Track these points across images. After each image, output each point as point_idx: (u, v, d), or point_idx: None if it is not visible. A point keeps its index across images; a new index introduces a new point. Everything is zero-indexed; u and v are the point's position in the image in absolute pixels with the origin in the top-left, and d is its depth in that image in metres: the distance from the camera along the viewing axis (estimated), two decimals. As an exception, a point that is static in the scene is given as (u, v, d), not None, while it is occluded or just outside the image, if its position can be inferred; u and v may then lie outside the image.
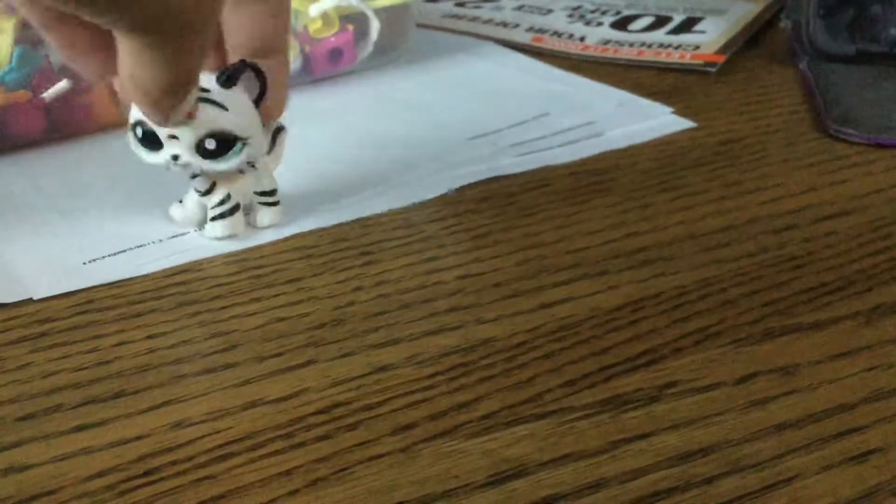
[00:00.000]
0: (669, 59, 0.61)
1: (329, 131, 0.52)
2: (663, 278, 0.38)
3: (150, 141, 0.38)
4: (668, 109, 0.53)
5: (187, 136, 0.38)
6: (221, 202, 0.41)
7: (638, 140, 0.50)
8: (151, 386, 0.33)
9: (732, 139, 0.50)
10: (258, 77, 0.38)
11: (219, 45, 0.40)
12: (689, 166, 0.47)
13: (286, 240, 0.42)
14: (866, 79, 0.55)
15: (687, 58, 0.61)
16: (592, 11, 0.71)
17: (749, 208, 0.43)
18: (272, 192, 0.42)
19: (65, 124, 0.52)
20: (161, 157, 0.39)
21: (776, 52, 0.62)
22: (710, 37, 0.64)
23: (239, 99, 0.39)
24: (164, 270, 0.39)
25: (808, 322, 0.35)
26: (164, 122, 0.36)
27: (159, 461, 0.29)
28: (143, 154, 0.39)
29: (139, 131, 0.38)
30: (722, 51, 0.61)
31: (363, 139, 0.51)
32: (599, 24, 0.68)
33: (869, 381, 0.32)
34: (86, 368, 0.34)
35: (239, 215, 0.42)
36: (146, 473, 0.29)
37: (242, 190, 0.41)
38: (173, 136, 0.38)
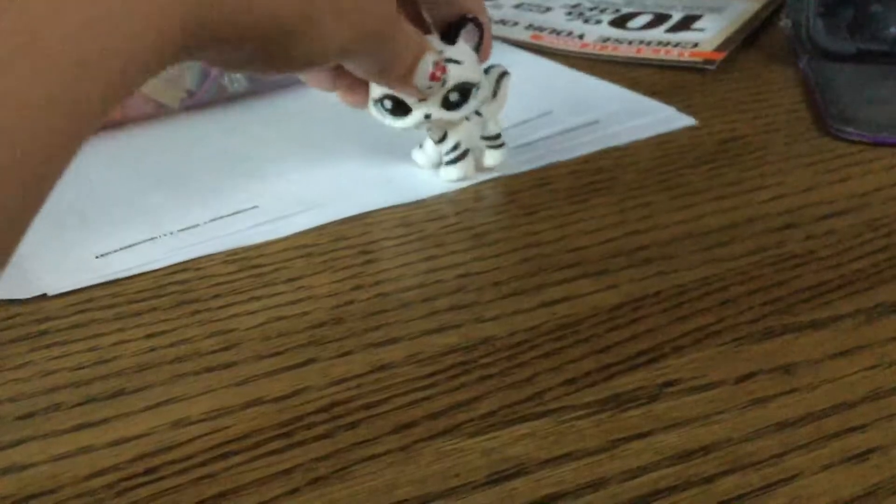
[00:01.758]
0: (668, 57, 0.61)
1: (333, 129, 0.52)
2: (663, 277, 0.38)
3: (400, 109, 0.43)
4: (669, 106, 0.53)
5: (436, 94, 0.42)
6: (454, 148, 0.45)
7: (640, 137, 0.50)
8: (151, 385, 0.33)
9: (732, 138, 0.50)
10: (477, 26, 0.43)
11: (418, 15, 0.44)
12: (689, 165, 0.47)
13: (286, 238, 0.42)
14: (866, 77, 0.55)
15: (685, 55, 0.61)
16: (591, 9, 0.71)
17: (749, 207, 0.43)
18: (497, 136, 0.46)
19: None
20: (412, 119, 0.43)
21: (775, 51, 0.62)
22: (709, 34, 0.64)
23: (465, 50, 0.43)
24: (163, 269, 0.39)
25: (808, 321, 0.35)
26: (410, 95, 0.42)
27: (159, 460, 0.29)
28: (391, 122, 0.44)
29: (388, 104, 0.43)
30: (721, 48, 0.61)
31: (365, 137, 0.51)
32: (598, 21, 0.68)
33: (869, 379, 0.32)
34: (85, 367, 0.34)
35: (470, 159, 0.46)
36: (146, 472, 0.29)
37: (470, 136, 0.45)
38: (423, 98, 0.42)
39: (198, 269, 0.40)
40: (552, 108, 0.54)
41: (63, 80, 0.23)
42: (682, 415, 0.30)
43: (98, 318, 0.36)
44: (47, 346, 0.35)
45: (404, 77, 0.39)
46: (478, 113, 0.45)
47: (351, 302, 0.37)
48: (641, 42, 0.64)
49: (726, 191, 0.44)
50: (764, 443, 0.29)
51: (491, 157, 0.47)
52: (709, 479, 0.28)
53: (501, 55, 0.64)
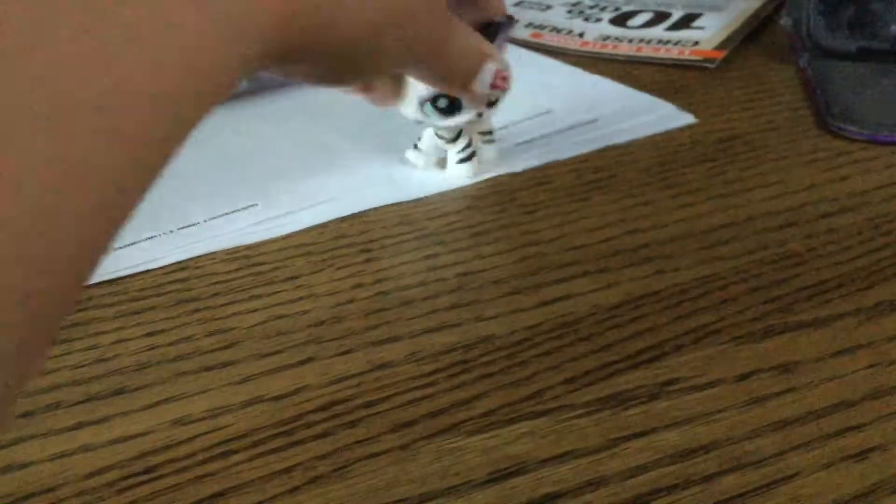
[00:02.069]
0: (668, 55, 0.61)
1: (333, 127, 0.52)
2: (663, 276, 0.38)
3: (452, 108, 0.43)
4: (669, 105, 0.53)
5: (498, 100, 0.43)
6: (466, 147, 0.46)
7: (640, 135, 0.50)
8: (151, 383, 0.33)
9: (732, 136, 0.50)
10: (510, 21, 0.43)
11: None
12: (690, 163, 0.47)
13: (286, 237, 0.42)
14: (866, 75, 0.55)
15: (686, 54, 0.61)
16: (591, 7, 0.71)
17: (749, 205, 0.43)
18: (491, 132, 0.47)
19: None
20: (463, 117, 0.44)
21: (776, 49, 0.62)
22: (709, 33, 0.64)
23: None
24: (163, 267, 0.39)
25: (808, 319, 0.35)
26: (472, 102, 0.42)
27: (159, 458, 0.29)
28: (439, 121, 0.44)
29: (442, 102, 0.43)
30: (721, 47, 0.61)
31: (365, 135, 0.51)
32: (598, 20, 0.68)
33: (869, 378, 0.32)
34: (85, 365, 0.34)
35: (476, 157, 0.47)
36: (146, 471, 0.29)
37: (473, 136, 0.46)
38: (491, 103, 0.43)
39: (198, 267, 0.39)
40: (552, 106, 0.54)
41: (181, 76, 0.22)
42: (682, 413, 0.30)
43: (98, 317, 0.36)
44: (47, 345, 0.35)
45: (464, 84, 0.39)
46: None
47: (351, 300, 0.37)
48: (642, 40, 0.64)
49: (726, 189, 0.44)
50: (764, 441, 0.29)
51: (487, 152, 0.47)
52: (709, 478, 0.28)
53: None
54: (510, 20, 0.43)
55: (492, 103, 0.43)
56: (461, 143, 0.46)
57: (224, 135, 0.51)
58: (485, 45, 0.39)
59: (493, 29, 0.41)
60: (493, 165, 0.47)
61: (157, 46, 0.20)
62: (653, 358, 0.33)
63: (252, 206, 0.44)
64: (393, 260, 0.40)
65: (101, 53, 0.19)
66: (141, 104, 0.20)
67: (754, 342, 0.34)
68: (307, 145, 0.50)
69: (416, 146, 0.47)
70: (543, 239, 0.41)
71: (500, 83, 0.39)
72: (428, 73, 0.38)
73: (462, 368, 0.33)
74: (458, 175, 0.46)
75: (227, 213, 0.43)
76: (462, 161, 0.46)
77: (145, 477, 0.29)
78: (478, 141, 0.47)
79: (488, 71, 0.39)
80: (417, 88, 0.43)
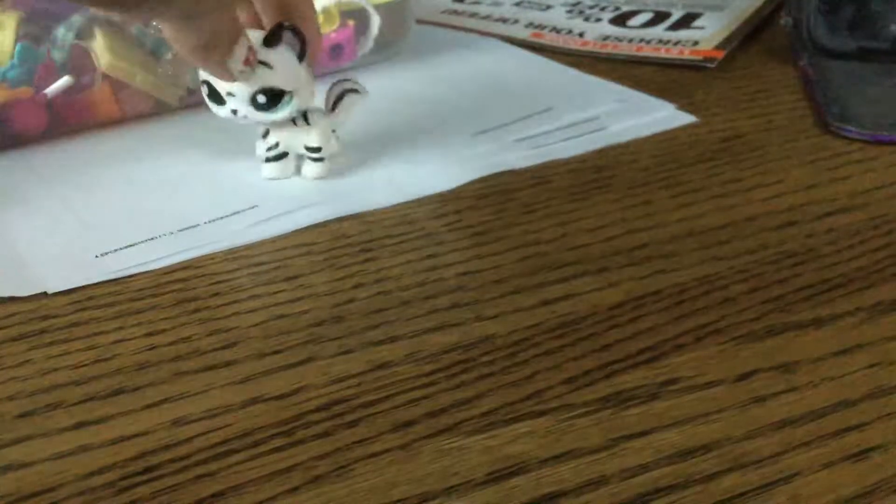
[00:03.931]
0: (668, 55, 0.61)
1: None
2: (664, 275, 0.38)
3: (215, 97, 0.44)
4: (670, 104, 0.53)
5: (242, 92, 0.43)
6: (271, 147, 0.46)
7: (640, 134, 0.50)
8: (151, 383, 0.33)
9: (733, 136, 0.50)
10: (297, 36, 0.43)
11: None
12: (690, 163, 0.47)
13: (286, 236, 0.42)
14: (867, 75, 0.55)
15: (686, 53, 0.61)
16: (591, 7, 0.71)
17: (749, 205, 0.43)
18: (317, 149, 0.46)
19: (67, 120, 0.52)
20: (223, 110, 0.44)
21: (776, 49, 0.62)
22: (709, 32, 0.64)
23: (283, 56, 0.43)
24: (163, 267, 0.39)
25: (808, 319, 0.35)
26: (221, 76, 0.42)
27: (159, 458, 0.29)
28: (213, 108, 0.45)
29: (205, 89, 0.44)
30: (721, 46, 0.61)
31: (365, 134, 0.51)
32: (598, 19, 0.68)
33: (869, 378, 0.32)
34: (85, 365, 0.34)
35: (286, 162, 0.47)
36: (146, 471, 0.29)
37: (291, 141, 0.46)
38: (231, 94, 0.43)
39: (198, 267, 0.39)
40: (552, 105, 0.54)
41: None
42: (683, 413, 0.30)
43: (98, 317, 0.36)
44: (47, 345, 0.35)
45: (220, 59, 0.40)
46: (306, 121, 0.45)
47: (351, 300, 0.37)
48: (642, 40, 0.64)
49: (726, 189, 0.44)
50: (764, 441, 0.29)
51: (310, 169, 0.47)
52: (709, 478, 0.28)
53: (502, 53, 0.64)
54: (291, 30, 0.43)
55: (260, 106, 0.44)
56: (268, 141, 0.46)
57: (224, 135, 0.51)
58: (239, 24, 0.41)
59: (279, 33, 0.42)
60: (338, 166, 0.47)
61: None
62: (653, 357, 0.33)
63: (252, 207, 0.44)
64: (393, 260, 0.40)
65: None
66: None
67: (754, 342, 0.34)
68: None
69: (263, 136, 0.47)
70: (543, 239, 0.41)
71: (252, 59, 0.42)
72: (185, 37, 0.38)
73: (462, 368, 0.33)
74: (262, 173, 0.47)
75: (227, 216, 0.43)
76: (268, 160, 0.47)
77: (145, 477, 0.29)
78: (305, 153, 0.46)
79: (241, 47, 0.41)
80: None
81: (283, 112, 0.44)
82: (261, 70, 0.43)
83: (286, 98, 0.44)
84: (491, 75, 0.60)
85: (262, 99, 0.43)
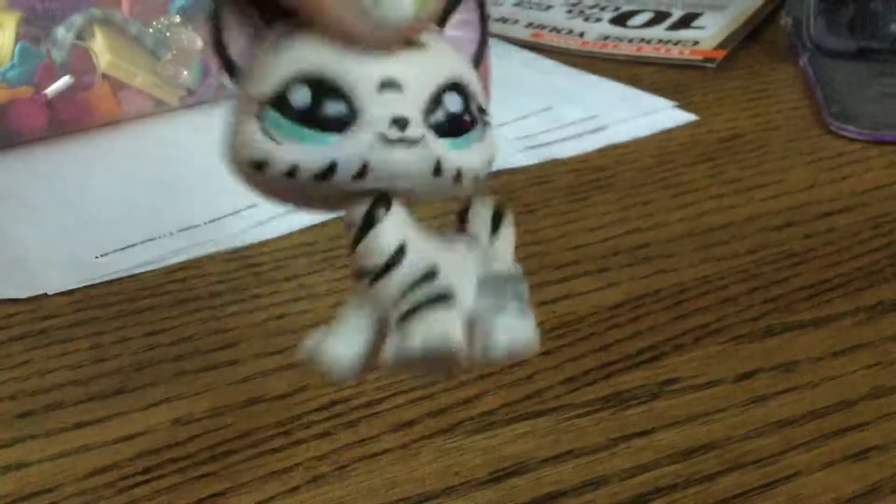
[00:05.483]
0: (668, 55, 0.61)
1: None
2: (664, 275, 0.38)
3: (319, 114, 0.19)
4: (670, 104, 0.53)
5: (423, 76, 0.20)
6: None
7: (640, 134, 0.50)
8: (151, 383, 0.33)
9: (733, 135, 0.50)
10: (479, 9, 0.22)
11: None
12: (690, 163, 0.47)
13: (286, 236, 0.42)
14: (867, 75, 0.55)
15: (686, 53, 0.61)
16: (591, 7, 0.71)
17: (749, 205, 0.43)
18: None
19: (67, 120, 0.52)
20: (349, 146, 0.19)
21: (776, 48, 0.62)
22: (710, 32, 0.64)
23: (450, 44, 0.22)
24: (163, 267, 0.39)
25: (808, 319, 0.35)
26: (399, 25, 0.19)
27: (159, 458, 0.29)
28: (283, 152, 0.20)
29: (301, 95, 0.19)
30: (721, 46, 0.61)
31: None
32: (598, 19, 0.68)
33: (869, 377, 0.32)
34: (85, 365, 0.34)
35: None
36: (146, 471, 0.29)
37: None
38: (391, 84, 0.19)
39: (198, 267, 0.39)
40: (552, 105, 0.54)
41: None
42: (683, 413, 0.30)
43: (98, 317, 0.36)
44: (47, 345, 0.35)
45: None
46: None
47: (351, 300, 0.37)
48: (642, 40, 0.64)
49: (727, 188, 0.44)
50: (764, 441, 0.29)
51: None
52: (709, 478, 0.28)
53: (501, 53, 0.64)
54: None
55: None
56: None
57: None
58: None
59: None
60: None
61: None
62: (653, 357, 0.33)
63: (252, 207, 0.44)
64: (393, 260, 0.40)
65: None
66: None
67: (754, 342, 0.34)
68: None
69: None
70: (543, 238, 0.41)
71: None
72: None
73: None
74: None
75: (226, 216, 0.43)
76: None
77: (145, 477, 0.29)
78: None
79: None
80: None
81: (474, 147, 0.22)
82: (439, 46, 0.21)
83: (482, 121, 0.22)
84: (491, 75, 0.60)
85: (454, 103, 0.20)
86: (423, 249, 0.21)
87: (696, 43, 0.62)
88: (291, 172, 0.19)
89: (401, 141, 0.19)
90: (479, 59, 0.23)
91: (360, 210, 0.20)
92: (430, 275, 0.20)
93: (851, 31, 0.58)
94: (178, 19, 0.53)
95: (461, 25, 0.22)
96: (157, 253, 0.40)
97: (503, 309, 0.21)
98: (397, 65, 0.19)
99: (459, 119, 0.20)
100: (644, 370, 0.32)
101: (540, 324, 0.35)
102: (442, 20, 0.21)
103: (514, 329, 0.21)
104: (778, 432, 0.29)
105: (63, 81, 0.50)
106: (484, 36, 0.22)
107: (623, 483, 0.28)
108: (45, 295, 0.38)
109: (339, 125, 0.19)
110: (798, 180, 0.45)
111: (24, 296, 0.37)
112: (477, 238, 0.24)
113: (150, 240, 0.41)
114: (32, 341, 0.35)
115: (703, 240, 0.40)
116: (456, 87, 0.20)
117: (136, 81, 0.53)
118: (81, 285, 0.38)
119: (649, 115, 0.52)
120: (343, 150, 0.19)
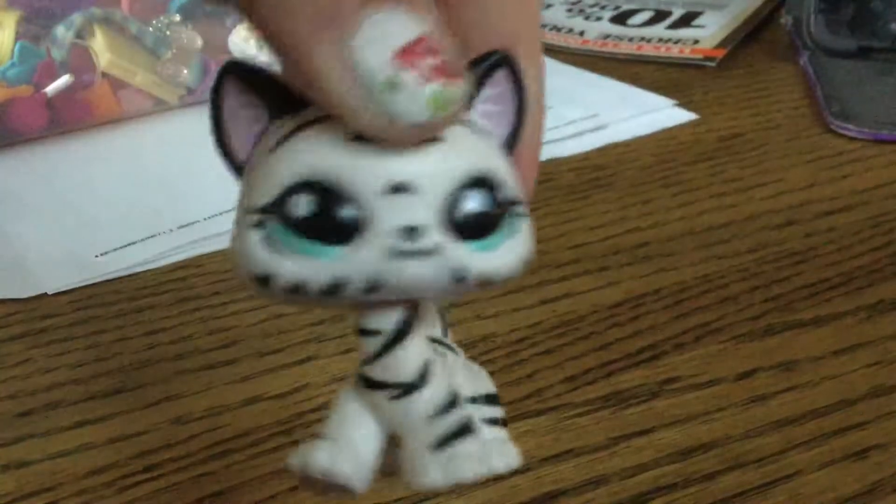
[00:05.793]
0: (669, 54, 0.61)
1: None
2: (664, 274, 0.38)
3: (324, 224, 0.17)
4: (670, 102, 0.53)
5: (439, 175, 0.17)
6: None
7: (641, 133, 0.50)
8: (151, 382, 0.33)
9: (733, 134, 0.50)
10: (515, 84, 0.19)
11: None
12: (690, 162, 0.47)
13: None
14: (867, 74, 0.55)
15: (686, 52, 0.61)
16: (591, 6, 0.71)
17: (749, 204, 0.43)
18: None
19: (66, 119, 0.52)
20: (356, 260, 0.17)
21: (776, 47, 0.62)
22: (710, 31, 0.63)
23: (474, 131, 0.19)
24: (163, 266, 0.39)
25: (808, 318, 0.35)
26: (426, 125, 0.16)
27: (159, 457, 0.29)
28: (287, 267, 0.17)
29: (303, 203, 0.17)
30: (721, 45, 0.61)
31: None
32: (599, 18, 0.68)
33: (870, 377, 0.32)
34: (85, 365, 0.34)
35: None
36: (146, 470, 0.29)
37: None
38: (402, 188, 0.17)
39: (198, 266, 0.39)
40: (552, 104, 0.53)
41: None
42: (683, 412, 0.30)
43: (98, 316, 0.36)
44: (47, 344, 0.35)
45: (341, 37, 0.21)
46: None
47: (351, 299, 0.37)
48: (642, 39, 0.64)
49: (727, 187, 0.44)
50: (764, 440, 0.29)
51: None
52: (709, 477, 0.28)
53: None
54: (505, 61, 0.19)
55: None
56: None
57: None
58: None
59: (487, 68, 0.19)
60: None
61: None
62: (653, 356, 0.33)
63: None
64: (393, 259, 0.40)
65: None
66: None
67: (755, 341, 0.34)
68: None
69: None
70: (544, 237, 0.41)
71: None
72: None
73: (462, 367, 0.33)
74: None
75: (226, 212, 0.43)
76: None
77: (145, 476, 0.29)
78: None
79: None
80: None
81: (504, 247, 0.19)
82: (463, 133, 0.18)
83: (514, 211, 0.19)
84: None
85: (475, 201, 0.18)
86: (440, 366, 0.20)
87: (696, 42, 0.62)
88: (296, 289, 0.17)
89: (413, 253, 0.17)
90: (514, 138, 0.20)
91: (378, 321, 0.18)
92: (453, 402, 0.20)
93: (852, 30, 0.58)
94: (177, 18, 0.53)
95: (495, 100, 0.19)
96: (157, 250, 0.40)
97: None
98: (410, 164, 0.17)
99: (484, 217, 0.18)
100: (644, 369, 0.32)
101: (540, 322, 0.35)
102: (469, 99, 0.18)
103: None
104: (778, 431, 0.29)
105: (63, 80, 0.50)
106: (521, 109, 0.20)
107: (623, 482, 0.28)
108: (45, 294, 0.38)
109: (346, 235, 0.17)
110: (798, 179, 0.45)
111: (24, 295, 0.37)
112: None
113: (150, 237, 0.41)
114: (32, 341, 0.35)
115: (703, 238, 0.40)
116: (479, 181, 0.18)
117: (135, 80, 0.53)
118: (81, 284, 0.38)
119: (649, 113, 0.52)
120: (350, 265, 0.17)
